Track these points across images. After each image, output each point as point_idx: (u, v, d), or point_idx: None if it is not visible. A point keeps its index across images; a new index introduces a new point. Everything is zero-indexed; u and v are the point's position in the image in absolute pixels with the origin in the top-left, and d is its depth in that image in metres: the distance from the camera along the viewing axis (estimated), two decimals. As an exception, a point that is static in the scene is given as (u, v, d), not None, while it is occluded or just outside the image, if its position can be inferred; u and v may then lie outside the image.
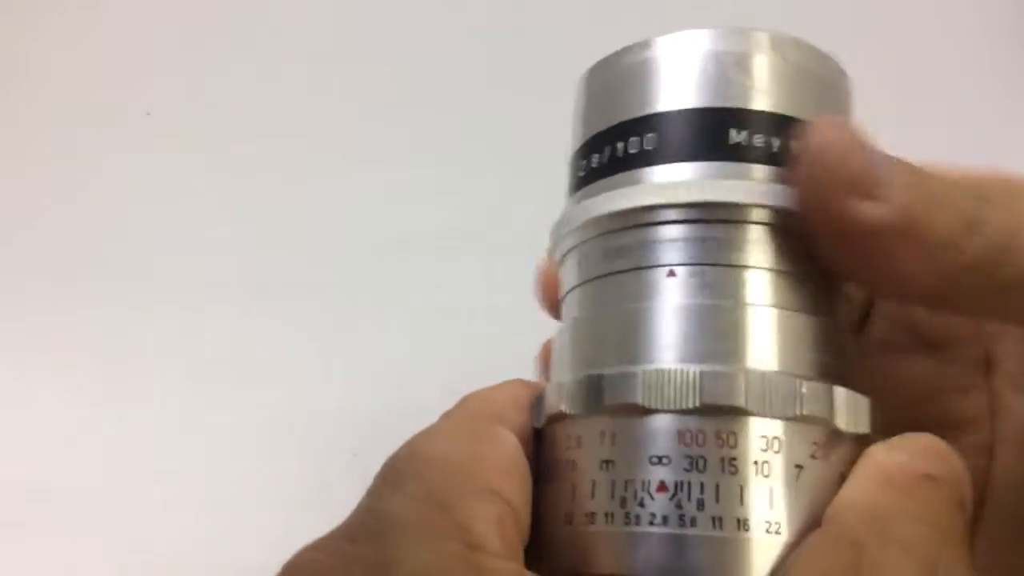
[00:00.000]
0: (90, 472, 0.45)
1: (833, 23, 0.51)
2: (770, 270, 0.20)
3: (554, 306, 0.25)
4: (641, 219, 0.20)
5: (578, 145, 0.22)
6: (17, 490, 0.45)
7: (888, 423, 0.25)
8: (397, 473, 0.19)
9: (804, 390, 0.19)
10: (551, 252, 0.23)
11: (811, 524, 0.18)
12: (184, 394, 0.47)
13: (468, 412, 0.21)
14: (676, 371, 0.19)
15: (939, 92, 0.50)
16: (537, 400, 0.22)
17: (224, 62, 0.53)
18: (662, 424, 0.19)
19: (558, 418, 0.20)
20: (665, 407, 0.18)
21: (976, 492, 0.23)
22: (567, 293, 0.22)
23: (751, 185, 0.20)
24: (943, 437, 0.24)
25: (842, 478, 0.19)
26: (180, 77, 0.52)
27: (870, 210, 0.19)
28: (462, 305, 0.48)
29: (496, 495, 0.19)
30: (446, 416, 0.21)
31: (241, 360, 0.48)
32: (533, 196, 0.51)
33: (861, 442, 0.20)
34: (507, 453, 0.20)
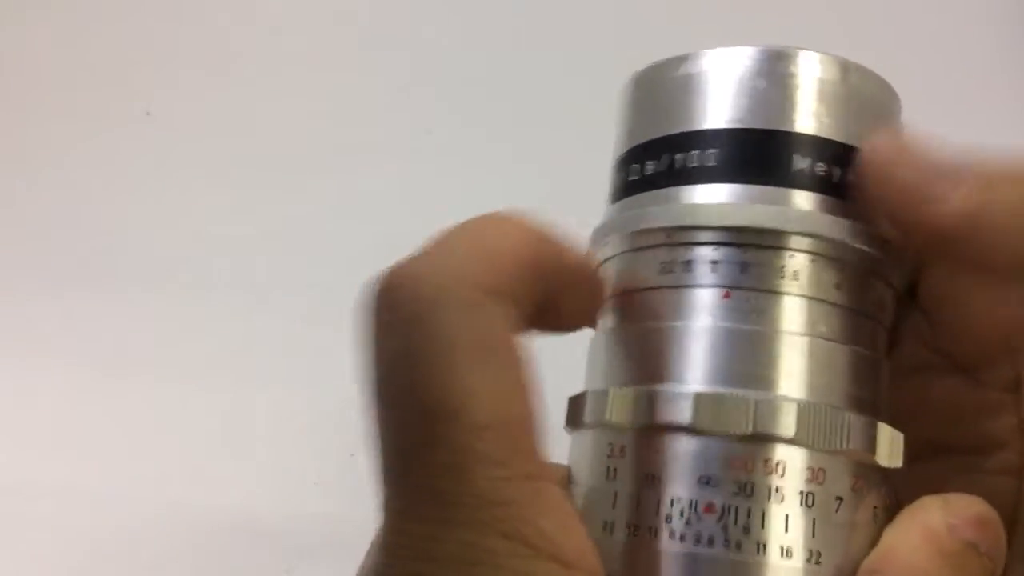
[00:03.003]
0: (88, 472, 0.45)
1: (832, 24, 0.51)
2: (824, 301, 0.20)
3: None
4: (701, 237, 0.20)
5: (626, 149, 0.22)
6: (16, 489, 0.45)
7: (919, 444, 0.25)
8: (449, 442, 0.17)
9: (851, 425, 0.19)
10: (591, 254, 0.23)
11: (847, 558, 0.19)
12: (183, 394, 0.47)
13: (465, 290, 0.18)
14: (731, 396, 0.19)
15: (939, 92, 0.50)
16: (572, 401, 0.22)
17: (224, 62, 0.53)
18: (712, 447, 0.19)
19: (602, 425, 0.20)
20: (717, 431, 0.19)
21: (1006, 515, 0.23)
22: (610, 297, 0.22)
23: (810, 214, 0.20)
24: (973, 458, 0.24)
25: (875, 512, 0.19)
26: (180, 77, 0.52)
27: (949, 202, 0.19)
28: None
29: (546, 472, 0.18)
30: (446, 294, 0.18)
31: (240, 360, 0.48)
32: (533, 196, 0.51)
33: (891, 477, 0.20)
34: (528, 389, 0.19)
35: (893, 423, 0.21)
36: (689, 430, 0.19)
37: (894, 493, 0.20)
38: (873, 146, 0.20)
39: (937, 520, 0.19)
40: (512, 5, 0.53)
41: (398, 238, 0.54)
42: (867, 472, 0.19)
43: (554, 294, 0.20)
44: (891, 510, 0.20)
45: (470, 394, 0.17)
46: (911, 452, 0.24)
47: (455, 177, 0.50)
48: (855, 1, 0.52)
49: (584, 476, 0.21)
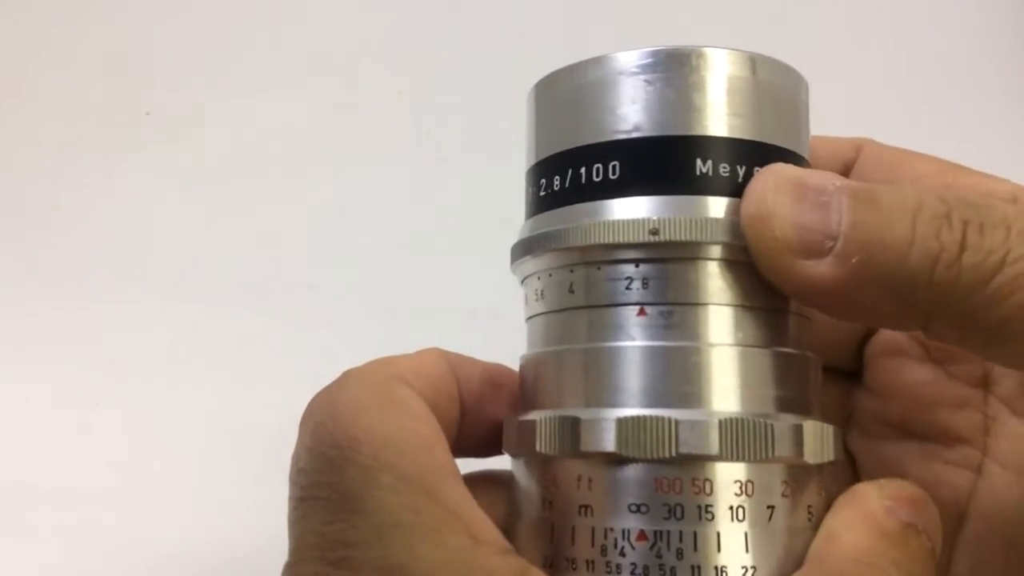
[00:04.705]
0: (89, 472, 0.45)
1: (833, 25, 0.51)
2: (736, 306, 0.20)
3: None
4: (606, 255, 0.20)
5: (535, 161, 0.22)
6: (16, 490, 0.45)
7: (886, 425, 0.25)
8: (353, 463, 0.19)
9: (775, 432, 0.19)
10: (512, 270, 0.23)
11: (783, 564, 0.19)
12: (183, 394, 0.47)
13: (374, 376, 0.21)
14: (652, 419, 0.18)
15: (938, 93, 0.50)
16: (507, 426, 0.22)
17: (224, 62, 0.53)
18: (639, 473, 0.19)
19: (533, 455, 0.20)
20: (642, 456, 0.18)
21: (958, 507, 0.23)
22: (532, 317, 0.22)
23: (718, 222, 0.19)
24: (935, 448, 0.24)
25: (809, 510, 0.19)
26: (180, 77, 0.52)
27: (817, 269, 0.18)
28: (461, 306, 0.48)
29: (455, 472, 0.19)
30: (354, 381, 0.21)
31: (240, 360, 0.48)
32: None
33: (825, 469, 0.20)
34: (431, 422, 0.20)
35: (824, 414, 0.20)
36: (615, 457, 0.19)
37: (828, 484, 0.20)
38: (751, 188, 0.19)
39: (875, 503, 0.19)
40: (512, 6, 0.53)
41: (398, 238, 0.54)
42: (797, 474, 0.19)
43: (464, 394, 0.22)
44: (827, 502, 0.20)
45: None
46: (878, 431, 0.24)
47: (455, 178, 0.50)
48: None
49: (524, 508, 0.21)
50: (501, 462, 0.23)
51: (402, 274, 0.49)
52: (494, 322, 0.46)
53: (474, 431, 0.23)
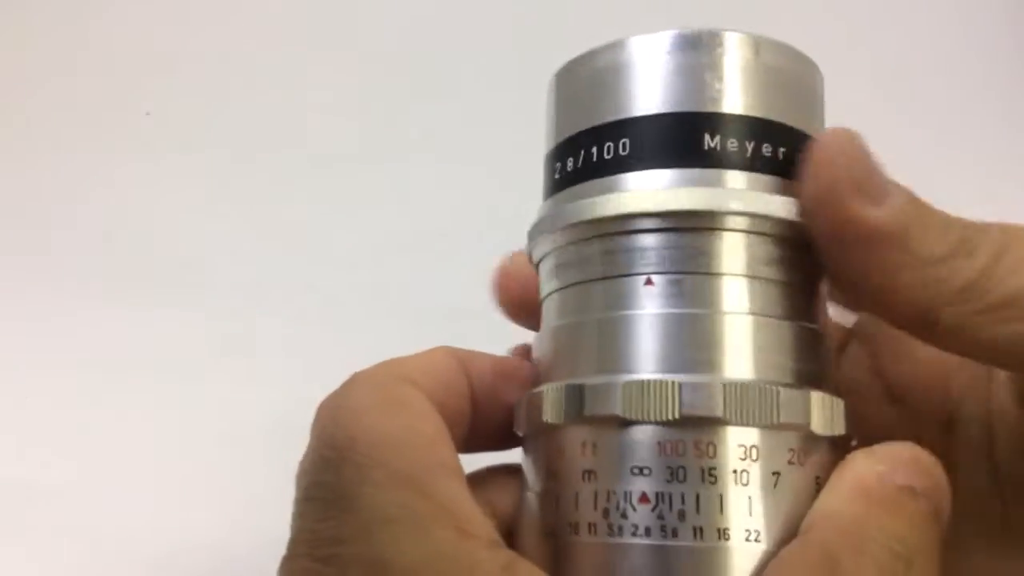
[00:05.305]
0: (89, 472, 0.45)
1: (832, 24, 0.51)
2: (746, 276, 0.20)
3: (512, 305, 0.25)
4: (617, 227, 0.20)
5: (552, 146, 0.22)
6: (16, 490, 0.45)
7: None
8: (349, 462, 0.19)
9: (781, 398, 0.19)
10: (528, 254, 0.23)
11: (789, 530, 0.19)
12: (183, 394, 0.47)
13: (379, 378, 0.21)
14: (656, 382, 0.19)
15: (937, 93, 0.50)
16: (516, 406, 0.22)
17: (224, 62, 0.53)
18: (643, 435, 0.19)
19: (540, 427, 0.20)
20: (645, 418, 0.19)
21: None
22: (545, 297, 0.22)
23: (726, 192, 0.20)
24: None
25: (817, 482, 0.19)
26: (180, 77, 0.52)
27: (872, 212, 0.19)
28: (461, 306, 0.48)
29: (454, 468, 0.19)
30: (359, 384, 0.21)
31: (240, 360, 0.48)
32: (533, 197, 0.51)
33: (836, 444, 0.20)
34: (434, 420, 0.20)
35: (836, 389, 0.20)
36: (619, 420, 0.19)
37: (838, 459, 0.20)
38: (825, 135, 0.20)
39: (864, 470, 0.19)
40: (512, 6, 0.53)
41: (396, 238, 0.54)
42: (805, 443, 0.19)
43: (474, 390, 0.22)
44: None
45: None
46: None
47: (455, 178, 0.50)
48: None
49: (530, 484, 0.21)
50: (519, 456, 0.23)
51: (402, 274, 0.49)
52: (493, 322, 0.46)
53: (489, 424, 0.23)
